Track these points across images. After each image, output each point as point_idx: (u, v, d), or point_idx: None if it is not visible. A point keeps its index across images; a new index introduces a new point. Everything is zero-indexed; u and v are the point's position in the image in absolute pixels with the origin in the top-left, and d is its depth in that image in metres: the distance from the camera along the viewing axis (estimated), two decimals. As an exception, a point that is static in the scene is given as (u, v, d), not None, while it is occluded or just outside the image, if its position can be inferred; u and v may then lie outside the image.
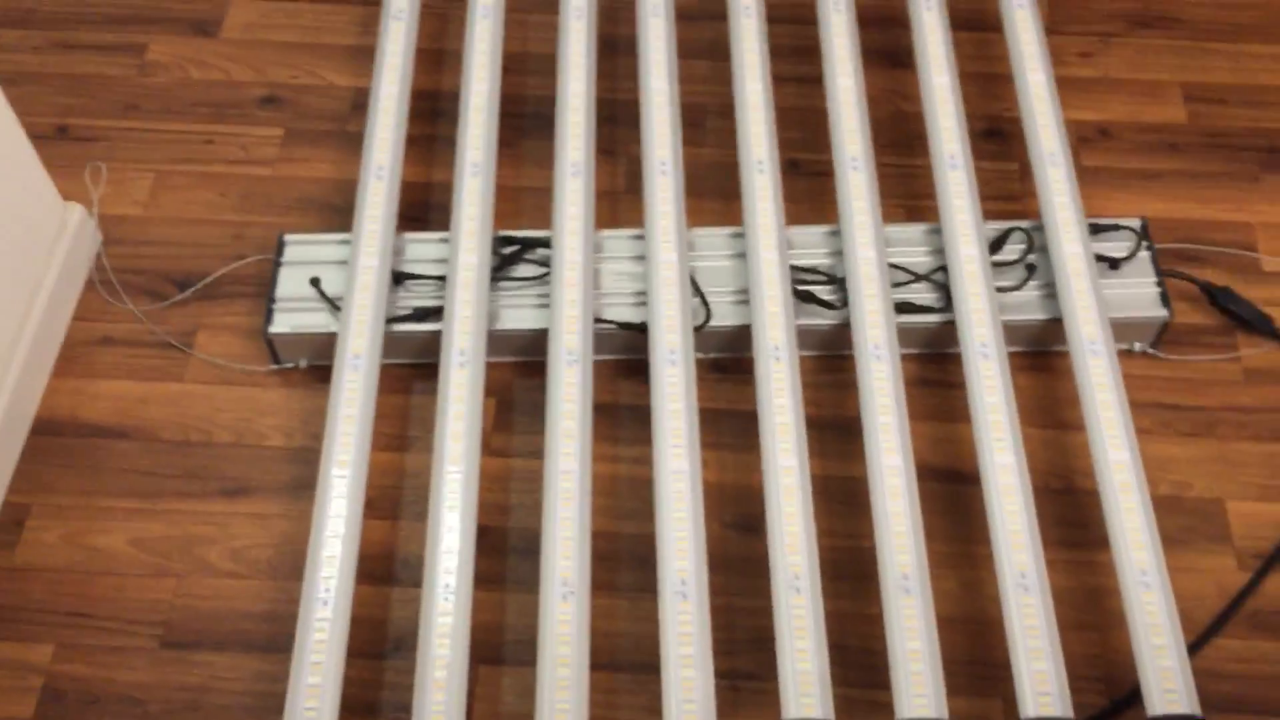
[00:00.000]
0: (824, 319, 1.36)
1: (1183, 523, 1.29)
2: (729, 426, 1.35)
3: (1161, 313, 1.36)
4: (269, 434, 1.36)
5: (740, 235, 1.41)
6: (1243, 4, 1.72)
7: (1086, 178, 1.52)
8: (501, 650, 1.22)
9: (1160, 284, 1.38)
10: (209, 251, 1.49)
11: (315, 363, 1.40)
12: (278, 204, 1.54)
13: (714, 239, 1.42)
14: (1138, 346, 1.39)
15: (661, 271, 1.34)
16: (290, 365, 1.40)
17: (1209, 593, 1.25)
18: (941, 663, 1.11)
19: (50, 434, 1.36)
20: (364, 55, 1.66)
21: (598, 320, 1.34)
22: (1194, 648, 1.22)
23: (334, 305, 1.37)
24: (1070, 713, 1.08)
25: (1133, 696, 1.18)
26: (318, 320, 1.37)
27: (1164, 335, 1.39)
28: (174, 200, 1.54)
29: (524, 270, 1.40)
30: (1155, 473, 1.30)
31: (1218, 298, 1.42)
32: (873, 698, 1.18)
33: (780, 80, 1.57)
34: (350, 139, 1.59)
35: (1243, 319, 1.41)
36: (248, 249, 1.49)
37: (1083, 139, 1.58)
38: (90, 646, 1.23)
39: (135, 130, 1.61)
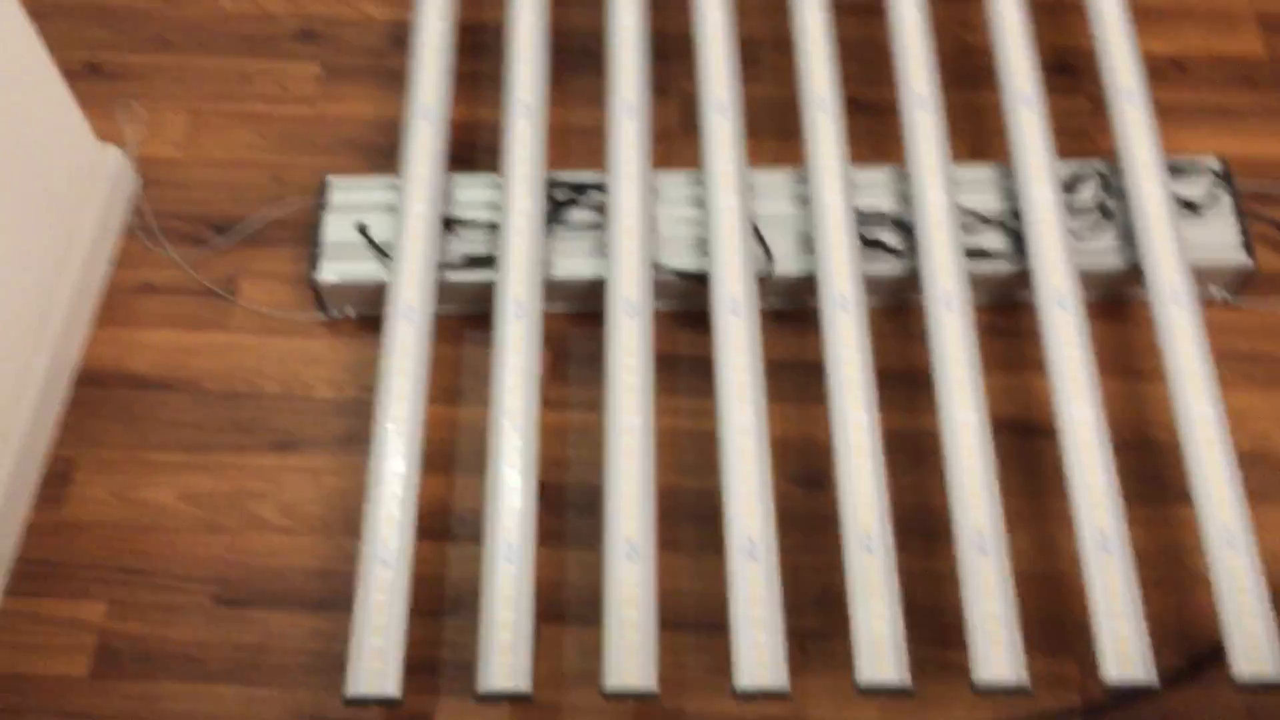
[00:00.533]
0: (891, 267, 1.31)
1: (1263, 476, 1.25)
2: (791, 378, 1.31)
3: (1245, 259, 1.31)
4: (317, 385, 1.33)
5: (802, 179, 1.36)
6: (1323, -74, 1.63)
7: (1159, 114, 1.45)
8: (563, 608, 1.20)
9: (1243, 229, 1.32)
10: (250, 195, 1.45)
11: (363, 312, 1.36)
12: (318, 144, 1.49)
13: (774, 181, 1.37)
14: (1217, 294, 1.34)
15: (723, 219, 1.28)
16: (337, 314, 1.36)
17: (1290, 550, 1.22)
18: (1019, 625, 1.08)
19: (95, 385, 1.33)
20: (403, -14, 1.60)
21: (655, 268, 1.30)
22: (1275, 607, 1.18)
23: (383, 253, 1.32)
24: (1153, 676, 1.05)
25: (1213, 655, 1.15)
26: (366, 269, 1.32)
27: (1246, 282, 1.34)
28: (212, 141, 1.49)
29: (578, 216, 1.35)
30: (1234, 425, 1.25)
31: (1300, 242, 1.36)
32: (944, 657, 1.16)
33: (838, 10, 1.50)
34: (391, 75, 1.53)
35: (1325, 264, 1.35)
36: (289, 192, 1.45)
37: (1155, 72, 1.50)
38: (144, 604, 1.21)
39: (168, 67, 1.55)
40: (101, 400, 1.32)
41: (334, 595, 1.20)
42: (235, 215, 1.43)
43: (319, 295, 1.34)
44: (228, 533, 1.25)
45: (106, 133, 1.44)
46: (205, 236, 1.42)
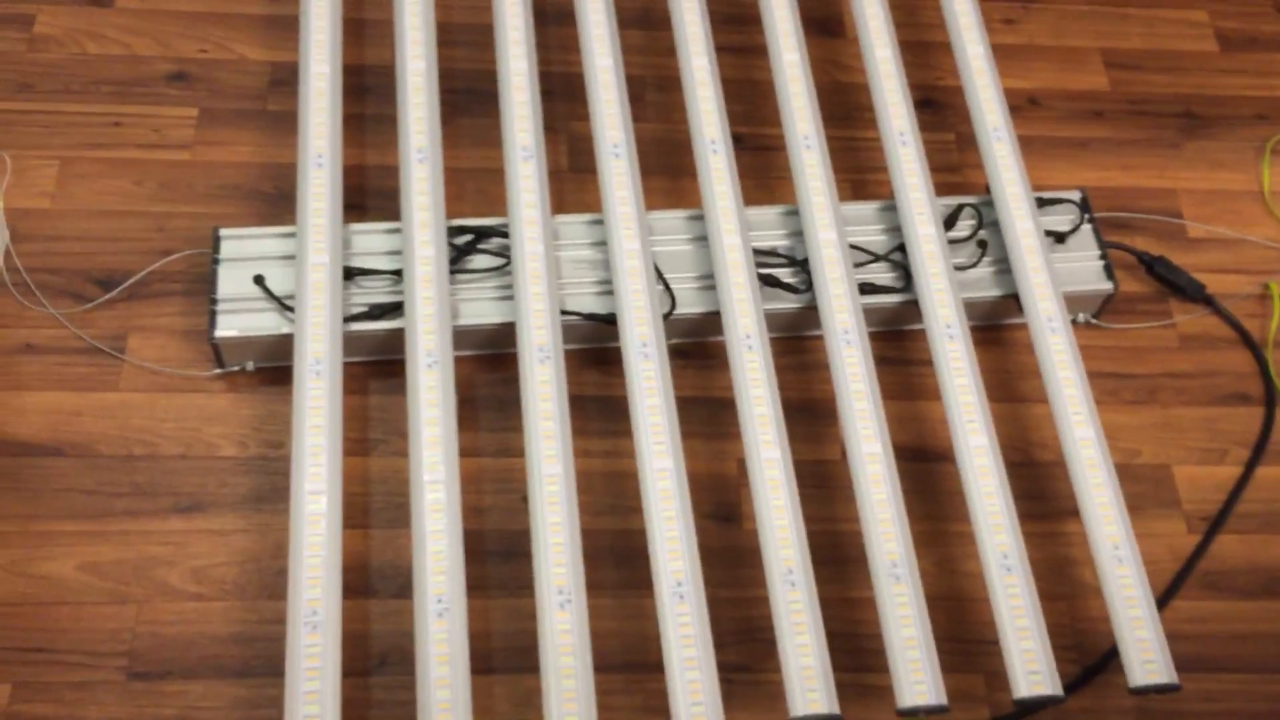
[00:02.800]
0: (788, 303, 1.36)
1: (1135, 489, 1.34)
2: (696, 414, 1.34)
3: (1107, 285, 1.40)
4: (220, 443, 1.29)
5: (696, 218, 1.39)
6: (1151, -33, 1.76)
7: (1020, 148, 1.54)
8: (491, 658, 1.21)
9: (1104, 256, 1.42)
10: (131, 246, 1.40)
11: (263, 364, 1.33)
12: (200, 192, 1.45)
13: (670, 222, 1.40)
14: (1081, 317, 1.44)
15: (626, 262, 1.31)
16: (236, 369, 1.33)
17: (1163, 556, 1.31)
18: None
19: (-24, 454, 1.27)
20: (277, 26, 1.57)
21: (562, 312, 1.31)
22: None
23: (284, 305, 1.30)
24: (1059, 689, 1.13)
25: (1105, 662, 1.24)
26: (267, 321, 1.30)
27: (1106, 305, 1.43)
28: (85, 190, 1.43)
29: (480, 261, 1.35)
30: (1108, 442, 1.35)
31: (1154, 267, 1.47)
32: (863, 681, 1.21)
33: (718, 50, 1.54)
34: (272, 118, 1.50)
35: (1177, 286, 1.46)
36: (174, 243, 1.40)
37: (1013, 107, 1.59)
38: (52, 683, 1.16)
39: (32, 113, 1.48)
40: (-15, 470, 1.26)
41: (255, 661, 1.18)
42: (116, 268, 1.38)
43: (216, 350, 1.30)
44: (134, 602, 1.21)
45: (-30, 185, 1.37)
46: (86, 291, 1.37)
